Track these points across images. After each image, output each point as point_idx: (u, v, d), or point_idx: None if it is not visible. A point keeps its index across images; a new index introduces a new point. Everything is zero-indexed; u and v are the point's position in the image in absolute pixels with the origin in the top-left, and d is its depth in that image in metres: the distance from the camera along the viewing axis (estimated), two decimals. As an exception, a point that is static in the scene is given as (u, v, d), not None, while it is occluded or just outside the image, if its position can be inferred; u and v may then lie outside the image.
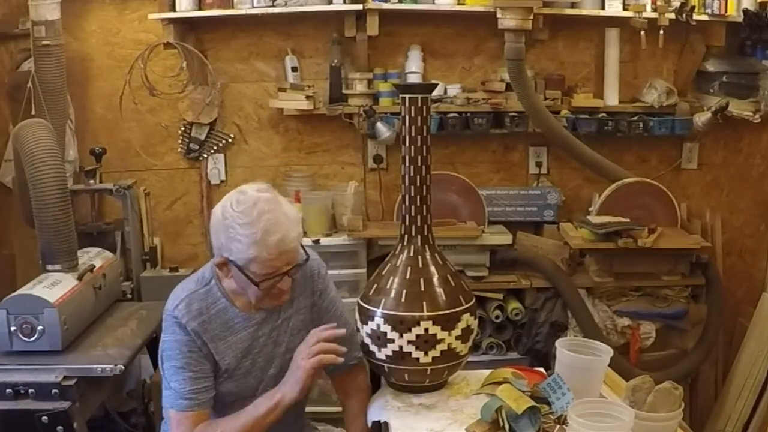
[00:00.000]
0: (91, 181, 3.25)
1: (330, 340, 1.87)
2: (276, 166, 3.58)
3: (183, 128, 3.53)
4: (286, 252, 1.82)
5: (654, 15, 3.23)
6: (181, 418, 1.86)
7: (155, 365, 2.84)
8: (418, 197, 1.96)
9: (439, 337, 1.90)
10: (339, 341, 1.88)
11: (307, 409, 2.27)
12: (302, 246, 1.90)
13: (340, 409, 2.15)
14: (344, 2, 3.23)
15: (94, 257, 2.84)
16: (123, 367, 2.35)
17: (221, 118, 3.54)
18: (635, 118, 3.39)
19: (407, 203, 1.98)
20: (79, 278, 2.58)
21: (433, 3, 3.28)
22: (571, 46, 3.54)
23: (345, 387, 2.11)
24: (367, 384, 2.14)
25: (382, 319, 1.92)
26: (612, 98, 3.44)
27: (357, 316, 2.00)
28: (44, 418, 2.23)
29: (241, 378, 1.96)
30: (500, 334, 3.23)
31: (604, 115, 3.40)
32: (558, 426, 1.68)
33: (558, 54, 3.55)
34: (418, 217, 1.97)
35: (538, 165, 3.60)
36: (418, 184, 1.96)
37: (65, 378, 2.28)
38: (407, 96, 1.94)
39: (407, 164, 1.96)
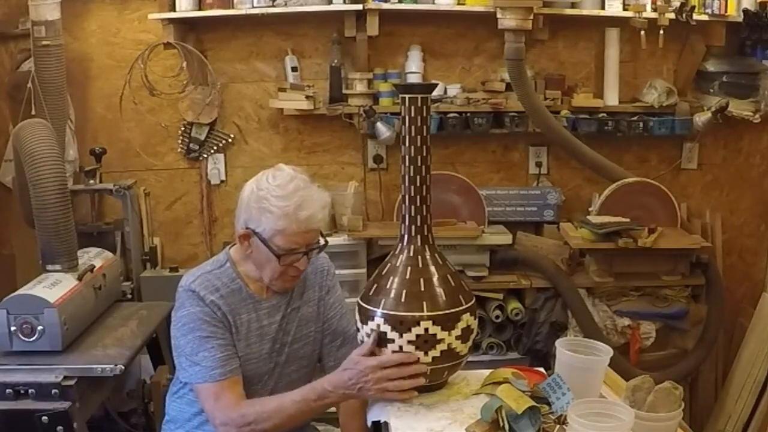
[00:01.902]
0: (91, 181, 3.25)
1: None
2: (276, 166, 3.58)
3: (183, 128, 3.53)
4: (312, 231, 1.90)
5: (654, 15, 3.23)
6: (218, 389, 1.85)
7: (155, 365, 2.84)
8: (418, 197, 1.96)
9: (439, 337, 1.90)
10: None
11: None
12: (322, 233, 1.96)
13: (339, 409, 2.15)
14: (344, 2, 3.23)
15: (94, 257, 2.84)
16: (123, 367, 2.35)
17: (221, 118, 3.54)
18: (635, 118, 3.39)
19: (407, 203, 1.98)
20: (79, 278, 2.58)
21: (433, 3, 3.28)
22: (571, 46, 3.54)
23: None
24: None
25: (382, 319, 1.91)
26: (612, 98, 3.45)
27: (357, 316, 2.00)
28: (44, 418, 2.23)
29: (254, 363, 1.97)
30: (500, 334, 3.23)
31: (604, 115, 3.40)
32: (558, 426, 1.68)
33: (558, 54, 3.55)
34: (418, 217, 1.97)
35: (538, 165, 3.60)
36: (418, 184, 1.96)
37: (65, 378, 2.28)
38: (407, 96, 1.93)
39: (407, 164, 1.96)
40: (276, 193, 1.86)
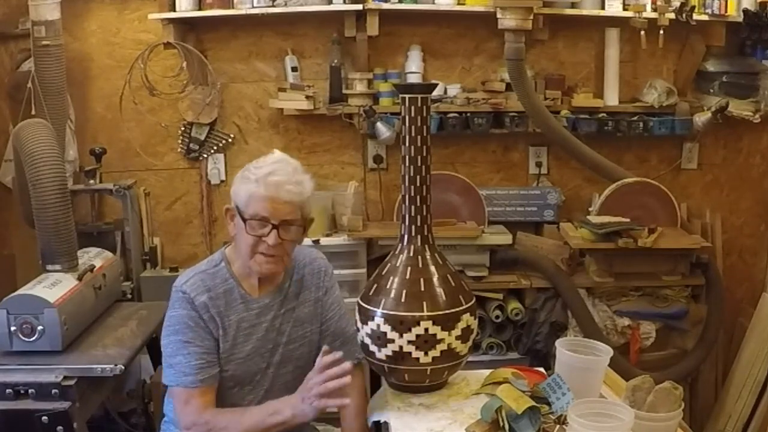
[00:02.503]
0: (91, 181, 3.25)
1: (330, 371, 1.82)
2: (276, 166, 3.58)
3: (183, 128, 3.53)
4: (282, 202, 1.88)
5: (654, 15, 3.23)
6: (188, 395, 1.89)
7: (155, 365, 2.84)
8: (418, 197, 1.97)
9: (439, 337, 1.90)
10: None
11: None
12: (306, 222, 1.95)
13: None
14: (344, 2, 3.23)
15: (94, 257, 2.84)
16: (123, 367, 2.35)
17: (221, 118, 3.54)
18: (635, 118, 3.39)
19: (407, 203, 1.98)
20: (79, 278, 2.58)
21: (433, 3, 3.28)
22: (571, 46, 3.54)
23: (342, 387, 2.11)
24: (365, 386, 2.15)
25: (382, 319, 1.92)
26: (612, 98, 3.44)
27: (357, 316, 2.01)
28: (44, 418, 2.23)
29: (241, 362, 1.97)
30: (500, 334, 3.23)
31: (604, 115, 3.40)
32: (558, 426, 1.68)
33: (558, 54, 3.55)
34: (418, 217, 1.98)
35: (538, 165, 3.60)
36: (418, 184, 1.96)
37: (65, 378, 2.28)
38: (407, 96, 1.94)
39: (407, 164, 1.96)
40: (257, 164, 1.93)
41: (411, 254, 1.98)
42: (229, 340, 1.95)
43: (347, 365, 1.79)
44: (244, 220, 1.89)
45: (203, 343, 1.91)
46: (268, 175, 1.88)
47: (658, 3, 3.24)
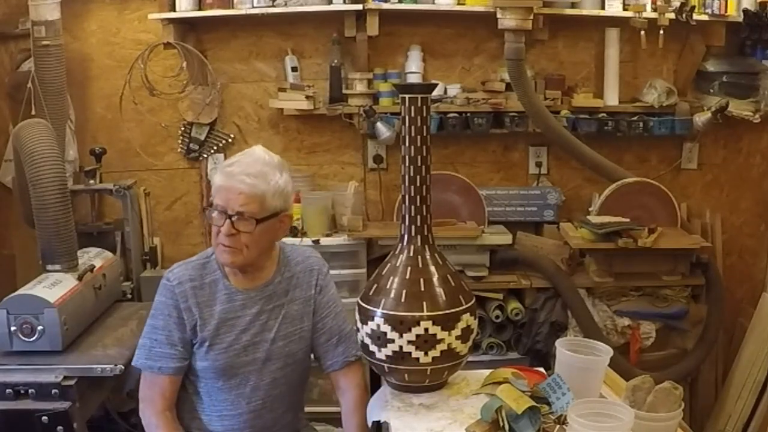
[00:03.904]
0: (91, 181, 3.25)
1: None
2: (276, 166, 3.58)
3: (183, 128, 3.53)
4: (235, 189, 1.90)
5: (654, 15, 3.23)
6: (151, 380, 2.00)
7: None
8: (418, 197, 1.96)
9: (439, 337, 1.90)
10: None
11: (307, 409, 2.28)
12: (275, 215, 1.96)
13: (339, 408, 2.15)
14: (344, 2, 3.23)
15: (94, 257, 2.84)
16: (123, 367, 2.36)
17: (221, 118, 3.54)
18: (635, 118, 3.39)
19: (407, 203, 1.98)
20: (79, 278, 2.58)
21: (433, 3, 3.28)
22: (571, 46, 3.54)
23: (341, 384, 2.12)
24: (365, 382, 2.15)
25: (382, 319, 1.92)
26: (612, 98, 3.45)
27: (357, 316, 2.00)
28: (44, 418, 2.24)
29: (222, 352, 1.99)
30: (500, 334, 3.23)
31: (604, 115, 3.40)
32: (558, 426, 1.68)
33: (558, 54, 3.55)
34: (418, 217, 1.97)
35: (538, 165, 3.60)
36: (418, 184, 1.96)
37: (65, 378, 2.28)
38: (407, 96, 1.94)
39: (407, 164, 1.96)
40: (233, 157, 1.99)
41: (411, 254, 1.98)
42: (210, 329, 1.99)
43: None
44: (203, 207, 1.97)
45: (170, 334, 1.98)
46: (231, 165, 1.94)
47: (658, 3, 3.24)
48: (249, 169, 1.91)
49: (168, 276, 2.01)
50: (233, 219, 1.92)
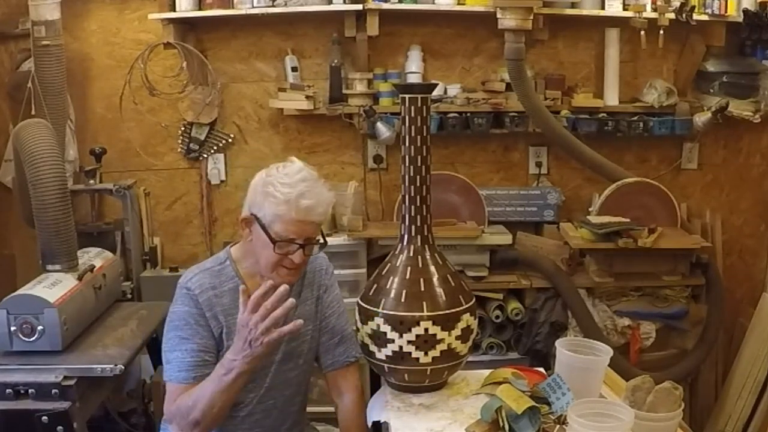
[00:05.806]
0: (91, 181, 3.25)
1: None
2: (276, 166, 3.58)
3: (183, 128, 3.53)
4: (310, 223, 1.90)
5: (654, 15, 3.23)
6: (180, 392, 1.89)
7: (155, 365, 2.84)
8: (418, 197, 1.97)
9: (439, 337, 1.90)
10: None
11: (307, 408, 2.28)
12: (323, 233, 1.97)
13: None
14: (344, 2, 3.23)
15: (94, 257, 2.84)
16: (123, 367, 2.36)
17: (221, 118, 3.54)
18: (635, 118, 3.39)
19: (407, 203, 1.98)
20: (79, 278, 2.58)
21: (433, 3, 3.28)
22: (571, 46, 3.54)
23: (339, 385, 2.12)
24: (362, 383, 2.15)
25: (382, 319, 1.92)
26: (612, 98, 3.44)
27: (357, 316, 2.01)
28: (44, 418, 2.23)
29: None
30: (500, 334, 3.23)
31: (604, 115, 3.40)
32: (558, 426, 1.68)
33: (558, 54, 3.54)
34: (418, 217, 1.98)
35: (538, 165, 3.60)
36: (418, 184, 1.96)
37: (65, 378, 2.28)
38: (407, 96, 1.94)
39: (407, 164, 1.96)
40: (283, 180, 1.89)
41: (411, 254, 1.98)
42: (233, 337, 1.94)
43: (283, 288, 1.75)
44: (271, 239, 1.88)
45: (201, 341, 1.92)
46: (300, 197, 1.87)
47: (658, 3, 3.23)
48: (320, 198, 1.90)
49: (188, 285, 1.95)
50: (305, 248, 1.92)
